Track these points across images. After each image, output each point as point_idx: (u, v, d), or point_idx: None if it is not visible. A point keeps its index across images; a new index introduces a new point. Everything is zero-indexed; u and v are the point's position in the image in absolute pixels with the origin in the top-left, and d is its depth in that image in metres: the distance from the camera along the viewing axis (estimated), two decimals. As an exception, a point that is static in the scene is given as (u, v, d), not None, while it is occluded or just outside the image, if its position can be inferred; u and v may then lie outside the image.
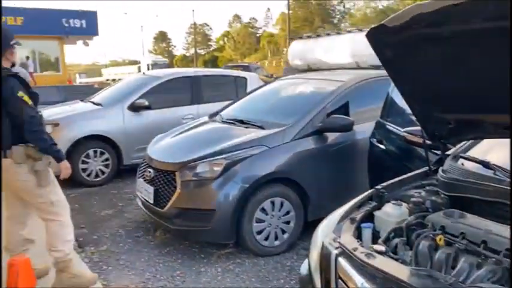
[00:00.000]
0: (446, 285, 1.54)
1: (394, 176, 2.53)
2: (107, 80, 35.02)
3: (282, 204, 3.74)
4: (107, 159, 6.18)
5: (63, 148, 5.65)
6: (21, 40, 3.05)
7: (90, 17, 25.13)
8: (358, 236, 2.03)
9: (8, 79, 2.78)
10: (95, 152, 6.10)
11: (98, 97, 7.21)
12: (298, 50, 8.16)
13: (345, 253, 1.86)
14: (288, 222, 3.79)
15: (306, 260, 2.22)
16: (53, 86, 12.52)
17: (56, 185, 3.03)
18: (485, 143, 2.48)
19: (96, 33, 25.78)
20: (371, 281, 1.67)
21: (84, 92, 10.09)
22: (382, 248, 1.86)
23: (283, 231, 3.79)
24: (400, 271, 1.66)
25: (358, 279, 1.72)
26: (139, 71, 32.03)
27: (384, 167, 3.62)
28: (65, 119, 6.10)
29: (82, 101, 7.31)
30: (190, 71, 7.69)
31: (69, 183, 5.67)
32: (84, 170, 6.01)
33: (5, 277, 2.81)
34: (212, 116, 5.04)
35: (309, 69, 7.23)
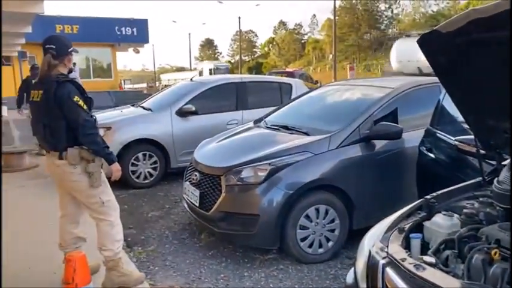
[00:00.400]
0: None
1: (444, 186, 2.45)
2: (165, 85, 36.05)
3: (326, 212, 3.71)
4: (155, 162, 6.37)
5: (114, 151, 5.89)
6: (77, 47, 3.22)
7: (141, 25, 26.11)
8: (407, 246, 1.98)
9: (65, 84, 2.94)
10: (144, 155, 6.30)
11: (147, 102, 7.46)
12: (406, 51, 7.53)
13: (392, 263, 1.82)
14: (332, 230, 3.75)
15: (352, 269, 2.19)
16: (105, 91, 13.09)
17: (107, 186, 3.16)
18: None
19: (146, 40, 26.73)
20: (421, 292, 1.63)
21: (134, 97, 10.49)
22: (432, 259, 1.80)
23: (328, 239, 3.75)
24: (452, 284, 1.60)
25: (409, 290, 1.67)
26: (201, 76, 32.60)
27: (433, 176, 3.50)
28: (117, 123, 6.35)
29: (133, 106, 7.58)
30: (235, 77, 7.80)
31: (119, 185, 5.90)
32: (133, 172, 6.23)
33: (60, 272, 2.96)
34: (257, 121, 5.08)
35: (420, 73, 6.68)
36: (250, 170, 3.76)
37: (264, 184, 3.65)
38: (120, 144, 6.07)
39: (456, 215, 2.12)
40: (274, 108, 5.48)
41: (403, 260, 1.78)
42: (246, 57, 76.61)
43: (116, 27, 24.96)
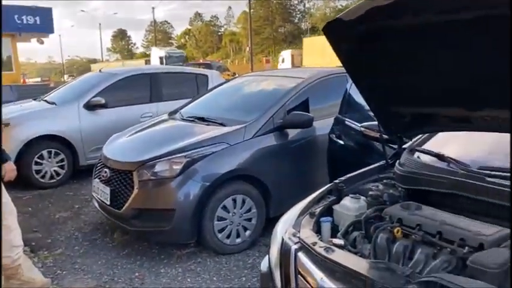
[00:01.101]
0: (404, 276, 1.54)
1: (352, 171, 2.54)
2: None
3: (243, 202, 3.70)
4: (62, 160, 5.93)
5: (14, 149, 5.41)
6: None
7: (45, 14, 24.17)
8: (318, 230, 2.02)
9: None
10: (50, 152, 5.84)
11: (51, 96, 6.91)
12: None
13: (304, 248, 1.85)
14: (249, 220, 3.76)
15: (266, 257, 2.19)
16: (5, 85, 11.93)
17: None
18: (440, 136, 2.54)
19: (51, 30, 24.83)
20: (330, 275, 1.66)
21: (39, 92, 9.67)
22: (341, 241, 1.85)
23: (245, 229, 3.75)
24: (359, 264, 1.65)
25: (317, 274, 1.70)
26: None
27: (342, 161, 3.65)
28: (16, 119, 5.80)
29: (35, 99, 6.99)
30: (149, 68, 7.53)
31: (21, 186, 5.43)
32: (38, 171, 5.75)
33: None
34: (172, 113, 4.93)
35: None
36: (164, 164, 3.63)
37: (179, 177, 3.55)
38: (21, 142, 5.57)
39: (363, 198, 2.21)
40: (190, 99, 5.36)
41: (314, 244, 1.81)
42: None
43: (16, 16, 22.85)
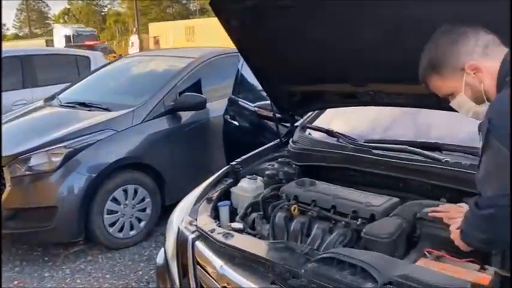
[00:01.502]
0: (303, 255, 1.53)
1: (249, 151, 2.50)
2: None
3: (135, 192, 3.47)
4: None
5: None
6: None
7: None
8: (216, 216, 1.93)
9: None
10: None
11: None
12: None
13: (202, 236, 1.74)
14: (143, 210, 3.55)
15: (162, 249, 2.05)
16: None
17: None
18: (329, 112, 2.60)
19: None
20: (230, 262, 1.59)
21: None
22: (240, 225, 1.79)
23: (139, 220, 3.54)
24: (258, 247, 1.61)
25: (216, 262, 1.61)
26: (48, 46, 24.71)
27: (238, 143, 3.61)
28: None
29: None
30: (19, 50, 6.68)
31: None
32: None
33: None
34: (48, 100, 4.42)
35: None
36: (41, 156, 3.23)
37: (60, 170, 3.19)
38: None
39: (260, 178, 2.17)
40: (69, 84, 4.86)
41: (212, 231, 1.72)
42: (38, 30, 67.63)
43: None
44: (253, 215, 1.93)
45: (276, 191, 2.04)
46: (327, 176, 2.25)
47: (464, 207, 1.61)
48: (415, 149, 1.98)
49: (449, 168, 1.84)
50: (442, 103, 1.87)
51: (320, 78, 2.16)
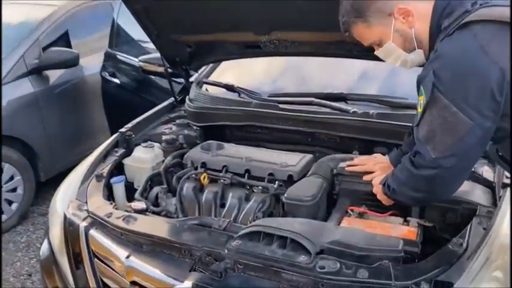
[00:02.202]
0: (221, 231, 1.35)
1: (135, 113, 2.18)
2: None
3: (1, 170, 2.91)
4: None
5: None
6: None
7: None
8: (110, 195, 1.63)
9: None
10: None
11: None
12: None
13: (96, 223, 1.45)
14: (14, 190, 3.00)
15: (46, 241, 1.69)
16: None
17: None
18: (226, 65, 2.37)
19: None
20: (136, 251, 1.34)
21: None
22: (141, 204, 1.52)
23: (10, 202, 2.99)
24: (168, 228, 1.38)
25: (120, 252, 1.35)
26: None
27: (122, 103, 3.20)
28: None
29: None
30: None
31: None
32: None
33: None
34: None
35: None
36: None
37: None
38: None
39: (157, 144, 1.90)
40: None
41: (109, 215, 1.43)
42: None
43: None
44: (155, 189, 1.67)
45: (179, 158, 1.80)
46: (232, 136, 2.07)
47: (378, 157, 1.57)
48: (322, 101, 1.88)
49: (357, 119, 1.78)
50: (349, 51, 1.82)
51: (218, 26, 1.90)
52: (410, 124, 1.61)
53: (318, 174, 1.53)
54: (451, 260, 1.12)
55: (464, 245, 1.17)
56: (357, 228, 1.30)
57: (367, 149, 1.80)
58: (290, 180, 1.56)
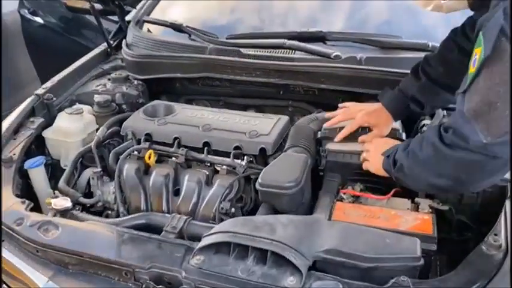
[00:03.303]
0: (175, 234, 1.01)
1: (64, 56, 1.73)
2: None
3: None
4: None
5: None
6: None
7: None
8: (25, 186, 1.23)
9: None
10: None
11: None
12: None
13: (4, 233, 1.06)
14: None
15: None
16: None
17: None
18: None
19: None
20: (61, 273, 0.97)
21: None
22: (65, 202, 1.12)
23: None
24: (101, 240, 1.00)
25: (37, 276, 0.97)
26: None
27: (48, 46, 2.66)
28: None
29: None
30: None
31: None
32: None
33: None
34: None
35: None
36: None
37: None
38: None
39: (87, 108, 1.47)
40: None
41: (20, 222, 1.04)
42: None
43: None
44: (86, 172, 1.28)
45: (117, 126, 1.39)
46: (184, 91, 1.66)
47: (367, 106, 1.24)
48: (297, 43, 1.49)
49: (342, 66, 1.42)
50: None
51: None
52: (408, 71, 1.30)
53: (298, 147, 1.18)
54: (490, 271, 0.83)
55: (503, 245, 0.88)
56: (356, 224, 0.98)
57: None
58: (262, 155, 1.21)
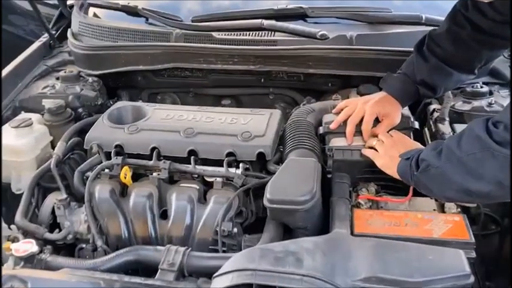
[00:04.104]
0: (174, 272, 0.84)
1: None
2: None
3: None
4: None
5: None
6: None
7: None
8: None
9: None
10: None
11: None
12: None
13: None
14: None
15: None
16: None
17: None
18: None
19: None
20: None
21: None
22: (31, 246, 0.90)
23: None
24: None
25: None
26: None
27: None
28: None
29: None
30: None
31: None
32: None
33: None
34: None
35: None
36: None
37: None
38: None
39: (36, 116, 1.25)
40: None
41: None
42: None
43: None
44: (50, 199, 1.05)
45: (79, 137, 1.17)
46: (149, 85, 1.45)
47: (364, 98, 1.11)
48: (277, 24, 1.31)
49: (331, 47, 1.26)
50: None
51: None
52: (406, 49, 1.17)
53: (303, 148, 1.03)
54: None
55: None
56: (386, 235, 0.86)
57: (343, 88, 1.33)
58: (261, 161, 1.04)
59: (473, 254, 0.84)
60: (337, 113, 1.10)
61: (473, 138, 0.76)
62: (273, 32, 1.32)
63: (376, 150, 0.99)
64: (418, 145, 0.98)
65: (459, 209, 0.94)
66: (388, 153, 0.96)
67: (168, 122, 1.12)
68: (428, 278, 0.74)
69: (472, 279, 0.75)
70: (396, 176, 0.94)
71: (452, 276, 0.75)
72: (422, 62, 1.05)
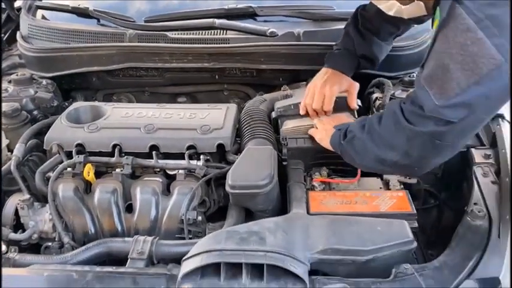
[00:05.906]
0: (143, 260, 0.88)
1: None
2: None
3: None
4: None
5: None
6: None
7: None
8: None
9: None
10: None
11: None
12: None
13: None
14: None
15: None
16: None
17: None
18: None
19: None
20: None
21: None
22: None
23: None
24: (59, 283, 0.83)
25: None
26: None
27: None
28: None
29: None
30: None
31: None
32: None
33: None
34: None
35: None
36: None
37: None
38: None
39: None
40: None
41: None
42: None
43: None
44: (12, 200, 1.05)
45: (37, 139, 1.17)
46: (104, 86, 1.47)
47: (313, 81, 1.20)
48: (228, 23, 1.37)
49: (281, 43, 1.34)
50: None
51: None
52: None
53: (259, 138, 1.09)
54: (481, 242, 0.85)
55: (485, 213, 0.90)
56: (338, 213, 0.94)
57: (293, 82, 1.41)
58: (220, 151, 1.10)
59: (416, 224, 0.94)
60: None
61: (390, 114, 0.86)
62: (225, 31, 1.37)
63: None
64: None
65: (402, 186, 1.04)
66: (325, 128, 1.06)
67: (128, 119, 1.15)
68: (378, 246, 0.83)
69: (415, 244, 0.85)
70: (329, 147, 1.03)
71: (398, 243, 0.85)
72: (360, 39, 1.17)
